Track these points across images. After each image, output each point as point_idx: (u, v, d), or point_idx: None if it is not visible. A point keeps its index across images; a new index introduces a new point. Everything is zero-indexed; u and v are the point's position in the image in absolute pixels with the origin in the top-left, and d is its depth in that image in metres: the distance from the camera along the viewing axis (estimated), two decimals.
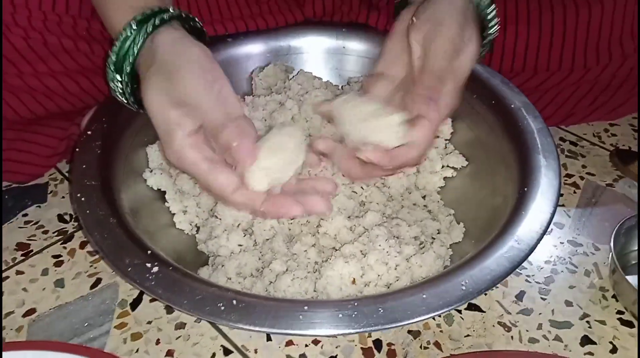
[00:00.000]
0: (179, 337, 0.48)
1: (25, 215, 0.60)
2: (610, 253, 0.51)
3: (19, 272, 0.54)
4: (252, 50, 0.67)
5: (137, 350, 0.47)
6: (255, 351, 0.47)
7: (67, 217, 0.60)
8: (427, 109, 0.45)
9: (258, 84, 0.65)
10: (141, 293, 0.52)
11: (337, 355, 0.47)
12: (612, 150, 0.69)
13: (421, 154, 0.47)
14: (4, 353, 0.42)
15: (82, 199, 0.47)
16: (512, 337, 0.49)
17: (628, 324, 0.50)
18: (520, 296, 0.52)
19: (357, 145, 0.47)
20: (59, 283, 0.53)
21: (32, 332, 0.49)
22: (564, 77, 0.65)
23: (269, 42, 0.67)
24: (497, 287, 0.52)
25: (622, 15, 0.61)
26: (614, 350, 0.48)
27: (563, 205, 0.61)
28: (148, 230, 0.49)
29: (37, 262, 0.55)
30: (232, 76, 0.49)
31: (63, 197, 0.62)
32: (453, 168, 0.59)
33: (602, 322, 0.50)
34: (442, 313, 0.41)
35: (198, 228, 0.54)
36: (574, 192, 0.63)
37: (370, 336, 0.48)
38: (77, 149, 0.51)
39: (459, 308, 0.51)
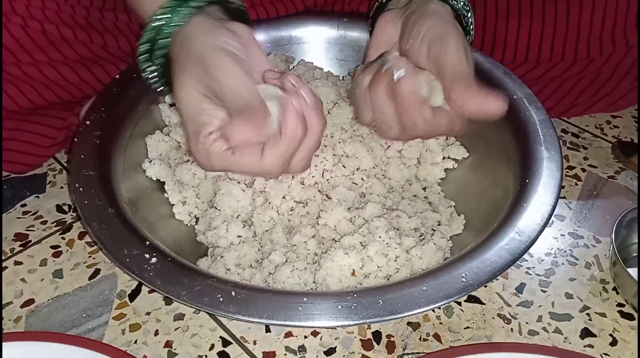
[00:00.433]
0: (178, 328, 0.48)
1: (23, 205, 0.60)
2: (611, 246, 0.50)
3: (17, 263, 0.54)
4: None
5: (135, 341, 0.47)
6: (254, 342, 0.47)
7: (65, 207, 0.60)
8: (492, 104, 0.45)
9: None
10: (140, 284, 0.51)
11: (336, 346, 0.47)
12: (614, 142, 0.68)
13: (462, 121, 0.46)
14: (3, 344, 0.42)
15: (81, 189, 0.46)
16: (511, 329, 0.49)
17: (628, 317, 0.50)
18: (520, 288, 0.52)
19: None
20: (58, 274, 0.53)
21: (31, 323, 0.48)
22: (567, 68, 0.65)
23: (270, 32, 0.66)
24: (497, 279, 0.52)
25: (626, 6, 0.61)
26: (614, 342, 0.48)
27: (564, 197, 0.61)
28: (147, 220, 0.49)
29: (36, 253, 0.55)
30: None
31: (62, 187, 0.62)
32: (454, 159, 0.58)
33: (603, 315, 0.50)
34: (442, 305, 0.41)
35: (197, 218, 0.54)
36: (576, 184, 0.63)
37: (369, 328, 0.48)
38: (75, 140, 0.50)
39: (458, 300, 0.50)
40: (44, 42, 0.55)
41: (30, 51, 0.55)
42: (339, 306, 0.39)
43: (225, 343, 0.47)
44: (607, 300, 0.51)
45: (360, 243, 0.48)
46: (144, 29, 0.45)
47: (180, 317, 0.49)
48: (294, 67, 0.65)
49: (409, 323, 0.49)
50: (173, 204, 0.54)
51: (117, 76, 0.57)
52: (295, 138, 0.41)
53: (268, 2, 0.66)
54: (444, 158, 0.58)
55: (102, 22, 0.60)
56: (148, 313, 0.49)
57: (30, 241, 0.56)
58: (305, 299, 0.40)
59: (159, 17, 0.44)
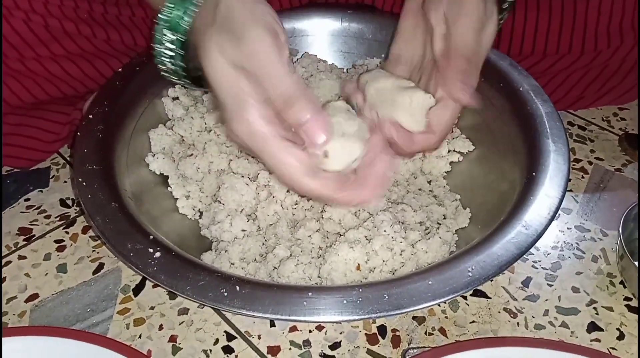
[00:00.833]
0: (182, 322, 0.48)
1: (27, 200, 0.60)
2: (619, 239, 0.50)
3: (21, 257, 0.54)
4: None
5: (139, 336, 0.47)
6: (259, 337, 0.47)
7: (69, 202, 0.59)
8: (460, 94, 0.44)
9: None
10: (144, 279, 0.51)
11: (341, 341, 0.47)
12: (621, 134, 0.68)
13: (441, 140, 0.46)
14: (7, 339, 0.42)
15: (84, 183, 0.46)
16: (517, 323, 0.48)
17: (635, 310, 0.49)
18: (526, 282, 0.51)
19: (381, 122, 0.46)
20: (62, 268, 0.53)
21: (35, 317, 0.48)
22: (574, 60, 0.64)
23: None
24: (503, 273, 0.52)
25: None
26: (620, 336, 0.47)
27: (571, 190, 0.60)
28: (150, 214, 0.49)
29: (40, 247, 0.55)
30: None
31: (65, 182, 0.62)
32: (459, 152, 0.58)
33: (609, 308, 0.49)
34: (447, 299, 0.41)
35: (201, 213, 0.54)
36: (582, 177, 0.62)
37: (374, 322, 0.48)
38: (78, 134, 0.50)
39: (464, 295, 0.50)
40: (47, 36, 0.55)
41: (33, 45, 0.55)
42: (344, 301, 0.39)
43: (230, 337, 0.47)
44: (614, 294, 0.51)
45: (365, 237, 0.48)
46: (165, 5, 0.42)
47: (184, 311, 0.49)
48: (297, 60, 0.65)
49: (414, 318, 0.48)
50: (177, 199, 0.54)
51: (120, 70, 0.57)
52: (354, 201, 0.40)
53: None
54: (449, 151, 0.58)
55: (105, 17, 0.59)
56: (152, 308, 0.49)
57: (34, 235, 0.56)
58: (310, 293, 0.40)
59: None
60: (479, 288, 0.51)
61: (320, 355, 0.46)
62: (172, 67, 0.46)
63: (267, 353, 0.46)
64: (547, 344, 0.43)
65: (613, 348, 0.46)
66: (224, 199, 0.51)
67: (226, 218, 0.50)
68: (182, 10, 0.42)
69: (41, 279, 0.52)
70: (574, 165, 0.64)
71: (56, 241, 0.55)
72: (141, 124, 0.55)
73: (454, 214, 0.53)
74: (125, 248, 0.42)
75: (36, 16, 0.53)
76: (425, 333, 0.47)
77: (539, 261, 0.53)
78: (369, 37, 0.66)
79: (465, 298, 0.50)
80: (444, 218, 0.53)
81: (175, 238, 0.47)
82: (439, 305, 0.49)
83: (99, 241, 0.55)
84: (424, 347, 0.46)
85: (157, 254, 0.42)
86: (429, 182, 0.57)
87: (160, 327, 0.48)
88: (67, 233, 0.56)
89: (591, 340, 0.47)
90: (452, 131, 0.59)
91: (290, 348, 0.46)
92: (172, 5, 0.42)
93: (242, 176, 0.52)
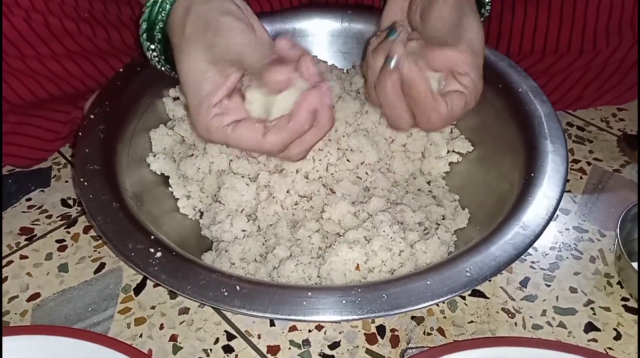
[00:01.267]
0: (183, 322, 0.48)
1: (28, 199, 0.60)
2: (616, 240, 0.50)
3: (22, 257, 0.54)
4: None
5: (140, 335, 0.47)
6: (259, 336, 0.47)
7: (70, 201, 0.60)
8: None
9: None
10: (145, 278, 0.52)
11: (340, 340, 0.47)
12: (620, 135, 0.68)
13: (454, 116, 0.46)
14: (8, 338, 0.43)
15: (85, 183, 0.46)
16: (515, 323, 0.48)
17: (633, 311, 0.49)
18: (524, 282, 0.52)
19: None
20: (63, 268, 0.53)
21: (36, 317, 0.49)
22: (573, 60, 0.64)
23: (274, 25, 0.66)
24: (502, 273, 0.52)
25: None
26: (618, 336, 0.48)
27: (569, 191, 0.61)
28: (151, 214, 0.49)
29: (41, 247, 0.55)
30: None
31: (66, 181, 0.62)
32: (458, 153, 0.58)
33: (607, 309, 0.50)
34: (446, 299, 0.41)
35: (202, 213, 0.54)
36: (581, 178, 0.62)
37: (373, 322, 0.48)
38: (80, 134, 0.51)
39: (462, 294, 0.50)
40: (48, 35, 0.55)
41: (34, 44, 0.55)
42: (343, 301, 0.39)
43: (230, 337, 0.47)
44: (612, 294, 0.51)
45: (365, 237, 0.48)
46: (145, 5, 0.46)
47: (185, 310, 0.49)
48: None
49: (413, 317, 0.49)
50: (177, 199, 0.54)
51: (121, 70, 0.57)
52: (301, 130, 0.42)
53: None
54: (448, 152, 0.58)
55: (106, 15, 0.59)
56: (153, 307, 0.49)
57: (35, 235, 0.56)
58: (309, 293, 0.40)
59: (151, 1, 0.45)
60: (477, 288, 0.51)
61: (319, 355, 0.46)
62: (162, 69, 0.49)
63: (267, 352, 0.46)
64: (545, 344, 0.44)
65: (610, 349, 0.47)
66: (224, 200, 0.52)
67: (226, 218, 0.50)
68: (156, 10, 0.45)
69: (42, 278, 0.52)
70: (572, 166, 0.64)
71: (57, 241, 0.55)
72: (142, 124, 0.55)
73: (453, 215, 0.53)
74: (126, 247, 0.42)
75: (37, 14, 0.53)
76: (424, 333, 0.48)
77: (537, 262, 0.53)
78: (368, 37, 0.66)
79: (463, 298, 0.50)
80: (443, 219, 0.53)
81: (175, 238, 0.48)
82: (437, 305, 0.49)
83: (100, 241, 0.55)
84: (423, 347, 0.46)
85: (158, 254, 0.42)
86: (428, 182, 0.57)
87: (161, 327, 0.48)
88: (68, 232, 0.56)
89: (588, 340, 0.47)
90: (452, 132, 0.59)
91: (289, 348, 0.46)
92: (148, 6, 0.45)
93: (243, 177, 0.52)
